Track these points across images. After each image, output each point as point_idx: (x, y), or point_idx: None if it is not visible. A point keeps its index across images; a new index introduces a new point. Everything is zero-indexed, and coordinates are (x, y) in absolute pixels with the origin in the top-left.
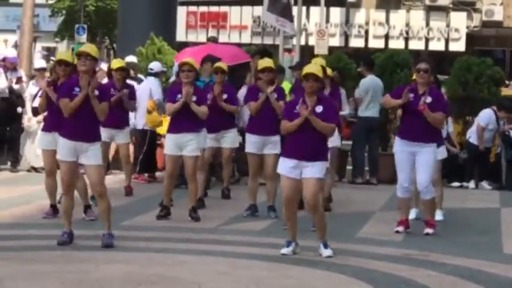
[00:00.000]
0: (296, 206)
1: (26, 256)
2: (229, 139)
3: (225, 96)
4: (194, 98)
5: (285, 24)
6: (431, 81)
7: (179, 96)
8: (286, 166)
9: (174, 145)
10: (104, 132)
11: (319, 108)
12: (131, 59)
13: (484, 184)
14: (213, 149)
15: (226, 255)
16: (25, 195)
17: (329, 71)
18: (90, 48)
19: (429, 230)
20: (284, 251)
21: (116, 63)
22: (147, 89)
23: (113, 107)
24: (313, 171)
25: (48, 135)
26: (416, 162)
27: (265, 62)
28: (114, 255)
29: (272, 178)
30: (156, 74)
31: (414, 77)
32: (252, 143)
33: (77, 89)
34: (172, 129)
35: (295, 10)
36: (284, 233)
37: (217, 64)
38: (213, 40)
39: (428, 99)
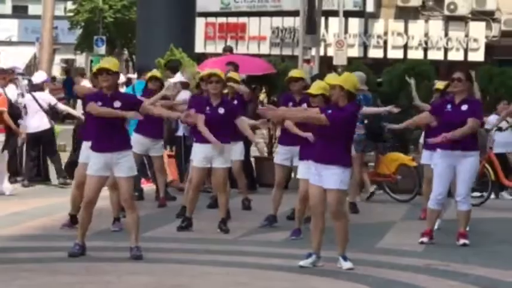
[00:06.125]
0: (323, 216)
1: (49, 267)
2: (237, 151)
3: (235, 102)
4: (222, 110)
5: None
6: (467, 89)
7: (208, 108)
8: (311, 173)
9: (204, 158)
10: (138, 144)
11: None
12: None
13: (505, 194)
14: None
15: (247, 266)
16: (45, 206)
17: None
18: (112, 63)
19: (466, 241)
20: (302, 263)
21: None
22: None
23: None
24: (333, 181)
25: (88, 148)
26: (458, 172)
27: (291, 73)
28: (136, 266)
29: None
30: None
31: (437, 86)
32: (281, 154)
33: (99, 103)
34: (202, 139)
35: None
36: (306, 244)
37: (229, 75)
38: (229, 50)
39: (464, 107)
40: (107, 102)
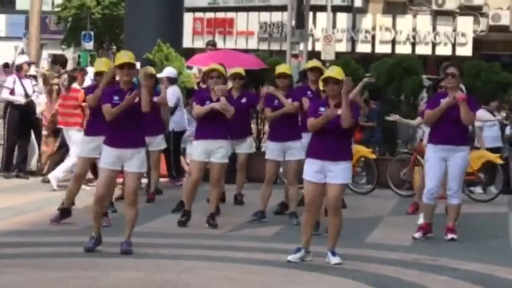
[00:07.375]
0: (317, 211)
1: (36, 263)
2: (245, 145)
3: (244, 100)
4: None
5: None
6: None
7: (208, 102)
8: (310, 170)
9: (203, 152)
10: None
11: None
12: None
13: (492, 188)
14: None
15: (236, 261)
16: (34, 202)
17: None
18: (130, 57)
19: (453, 236)
20: (290, 257)
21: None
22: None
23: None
24: (337, 176)
25: (91, 142)
26: (449, 166)
27: (281, 68)
28: (124, 261)
29: (292, 184)
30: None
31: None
32: (273, 150)
33: (116, 98)
34: (201, 135)
35: None
36: (295, 239)
37: (235, 70)
38: (213, 44)
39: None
40: (124, 97)
